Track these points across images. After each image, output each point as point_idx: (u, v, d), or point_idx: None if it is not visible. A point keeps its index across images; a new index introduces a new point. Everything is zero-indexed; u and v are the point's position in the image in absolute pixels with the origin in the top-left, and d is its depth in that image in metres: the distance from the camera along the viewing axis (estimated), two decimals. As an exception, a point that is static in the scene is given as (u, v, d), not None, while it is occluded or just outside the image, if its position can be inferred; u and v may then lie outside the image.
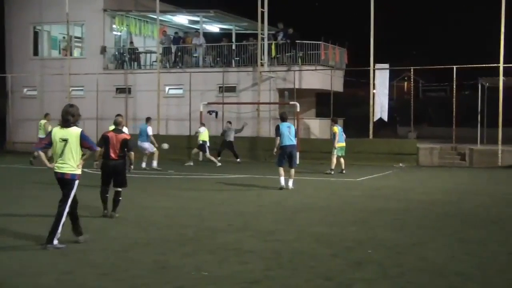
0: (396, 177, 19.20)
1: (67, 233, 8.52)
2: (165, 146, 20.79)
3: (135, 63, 31.39)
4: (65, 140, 8.31)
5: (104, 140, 10.99)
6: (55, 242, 8.21)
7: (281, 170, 15.48)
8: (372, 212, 11.69)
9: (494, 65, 24.02)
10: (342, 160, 20.15)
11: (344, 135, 20.49)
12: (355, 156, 23.00)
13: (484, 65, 24.68)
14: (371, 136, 25.43)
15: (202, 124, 23.83)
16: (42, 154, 8.65)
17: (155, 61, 30.23)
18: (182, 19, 32.95)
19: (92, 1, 31.22)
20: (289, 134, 15.28)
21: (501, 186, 16.81)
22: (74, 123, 8.42)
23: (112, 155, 10.93)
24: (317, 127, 28.75)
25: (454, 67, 24.70)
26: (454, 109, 24.13)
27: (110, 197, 11.11)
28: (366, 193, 14.95)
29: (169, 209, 12.06)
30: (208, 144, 23.09)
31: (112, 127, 11.69)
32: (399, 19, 49.61)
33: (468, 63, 25.01)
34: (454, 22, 48.70)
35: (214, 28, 34.30)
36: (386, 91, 26.28)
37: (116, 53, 31.84)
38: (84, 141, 8.39)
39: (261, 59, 27.36)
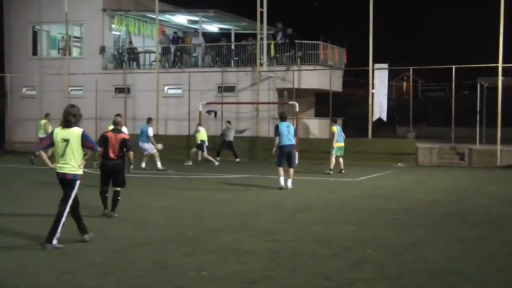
0: (395, 177, 19.20)
1: (66, 233, 8.51)
2: (160, 146, 20.82)
3: (134, 63, 31.38)
4: (66, 141, 8.33)
5: (103, 140, 11.00)
6: (54, 242, 8.21)
7: (281, 170, 15.47)
8: (372, 212, 11.69)
9: (493, 65, 24.04)
10: (341, 160, 20.15)
11: (343, 135, 20.49)
12: (354, 156, 23.02)
13: (483, 65, 24.72)
14: (370, 136, 25.42)
15: (199, 125, 23.90)
16: (43, 154, 8.66)
17: (154, 61, 30.22)
18: (181, 19, 32.94)
19: (91, 0, 31.20)
20: (288, 134, 15.28)
21: (500, 186, 16.81)
22: (76, 124, 8.44)
23: (111, 155, 10.93)
24: (316, 127, 28.75)
25: (453, 67, 24.71)
26: (453, 109, 24.14)
27: (109, 197, 11.12)
28: (365, 193, 14.95)
29: (169, 209, 12.06)
30: (206, 143, 23.10)
31: (111, 127, 11.70)
32: (398, 19, 49.61)
33: (467, 63, 25.03)
34: (453, 22, 48.67)
35: (213, 28, 34.31)
36: (385, 91, 26.29)
37: (115, 53, 31.83)
38: (85, 141, 8.41)
39: (260, 59, 27.36)
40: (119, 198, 11.05)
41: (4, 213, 11.34)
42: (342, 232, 9.66)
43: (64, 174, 8.35)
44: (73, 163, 8.34)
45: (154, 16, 29.51)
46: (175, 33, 32.00)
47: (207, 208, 12.18)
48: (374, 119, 25.95)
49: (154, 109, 27.94)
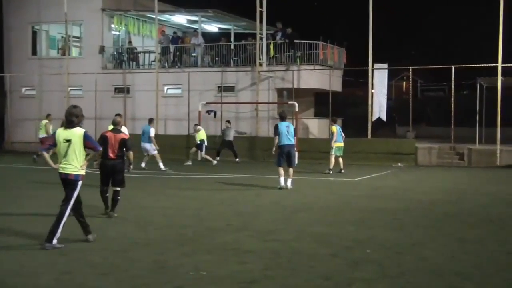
0: (394, 177, 19.21)
1: (66, 233, 8.50)
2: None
3: (134, 62, 31.38)
4: (68, 141, 8.35)
5: (103, 140, 11.00)
6: (54, 241, 8.22)
7: (281, 170, 15.47)
8: (371, 212, 11.69)
9: (492, 65, 24.06)
10: (340, 160, 20.15)
11: (343, 135, 20.48)
12: (353, 156, 23.03)
13: (482, 65, 24.74)
14: (369, 135, 25.43)
15: (196, 125, 23.95)
16: (46, 155, 8.71)
17: (154, 61, 30.22)
18: (180, 18, 32.94)
19: (90, 0, 31.20)
20: (287, 134, 15.26)
21: (500, 185, 16.81)
22: (78, 124, 8.47)
23: (111, 155, 10.94)
24: (315, 126, 28.76)
25: (453, 66, 24.72)
26: (452, 109, 24.15)
27: (109, 197, 11.13)
28: (365, 193, 14.95)
29: (168, 209, 12.06)
30: (206, 143, 23.11)
31: (111, 127, 11.71)
32: (398, 19, 49.60)
33: (467, 63, 25.04)
34: (453, 22, 48.68)
35: (212, 27, 34.31)
36: (385, 91, 26.29)
37: (115, 52, 31.83)
38: (87, 141, 8.43)
39: (260, 59, 27.36)
40: (119, 198, 11.06)
41: (4, 213, 11.34)
42: (342, 232, 9.66)
43: (67, 174, 8.38)
44: (75, 163, 8.36)
45: (154, 16, 29.52)
46: (174, 33, 32.01)
47: (206, 208, 12.18)
48: (373, 119, 25.96)
49: (153, 109, 27.95)
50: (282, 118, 15.66)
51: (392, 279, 6.87)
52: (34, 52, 33.40)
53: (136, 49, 31.65)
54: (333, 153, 19.94)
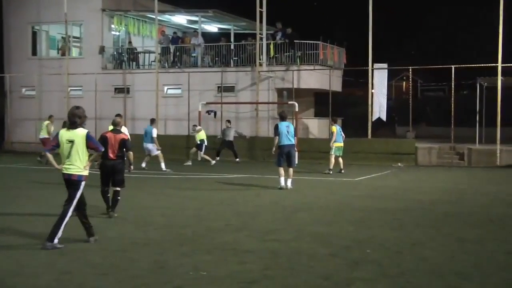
0: (394, 177, 19.21)
1: (66, 233, 8.50)
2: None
3: (134, 63, 31.37)
4: (71, 142, 8.39)
5: (103, 141, 11.00)
6: (56, 241, 8.23)
7: (281, 170, 15.46)
8: (371, 212, 11.69)
9: (492, 64, 24.06)
10: (340, 160, 20.15)
11: (343, 135, 20.47)
12: (353, 155, 23.04)
13: (482, 65, 24.75)
14: (369, 135, 25.43)
15: (195, 125, 23.99)
16: (50, 155, 8.73)
17: (154, 61, 30.22)
18: (180, 19, 32.94)
19: (90, 1, 31.19)
20: (287, 134, 15.26)
21: (500, 185, 16.81)
22: (81, 125, 8.51)
23: (111, 155, 10.97)
24: (315, 126, 28.76)
25: (453, 66, 24.72)
26: (452, 109, 24.15)
27: (110, 197, 11.14)
28: (365, 193, 14.95)
29: (168, 209, 12.06)
30: (206, 143, 23.11)
31: (111, 127, 11.73)
32: (397, 19, 49.58)
33: (467, 63, 25.06)
34: (453, 21, 48.68)
35: (212, 28, 34.31)
36: (385, 91, 26.29)
37: (115, 53, 31.83)
38: (89, 142, 8.47)
39: (260, 59, 27.36)
40: (119, 198, 11.09)
41: (3, 213, 11.34)
42: (342, 232, 9.66)
43: (70, 175, 8.42)
44: (78, 164, 8.40)
45: (154, 16, 29.52)
46: (174, 33, 32.01)
47: (206, 208, 12.18)
48: (373, 119, 25.96)
49: (153, 109, 27.95)
50: (282, 118, 15.65)
51: (392, 279, 6.86)
52: (34, 52, 33.40)
53: (136, 49, 31.65)
54: (332, 153, 19.94)
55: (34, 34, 33.48)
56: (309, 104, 31.49)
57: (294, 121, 23.20)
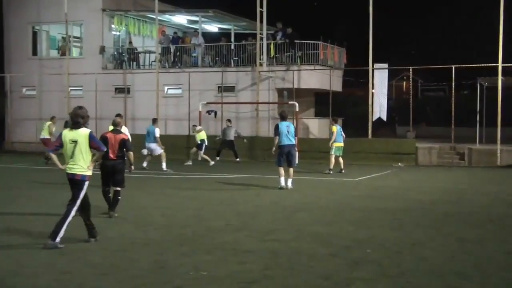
0: (395, 177, 19.20)
1: (66, 233, 8.49)
2: (145, 152, 20.77)
3: (134, 63, 31.38)
4: (74, 142, 8.43)
5: (103, 141, 10.99)
6: (58, 239, 8.23)
7: (281, 170, 15.46)
8: (371, 212, 11.69)
9: (493, 64, 24.06)
10: (341, 159, 20.14)
11: (343, 135, 20.45)
12: (354, 155, 23.04)
13: (483, 65, 24.74)
14: (370, 135, 25.44)
15: (195, 125, 23.97)
16: (54, 156, 8.78)
17: (154, 61, 30.22)
18: (181, 19, 32.95)
19: (91, 0, 31.19)
20: (287, 134, 15.25)
21: (500, 185, 16.80)
22: (84, 125, 8.55)
23: (111, 155, 10.98)
24: (316, 126, 28.76)
25: (453, 66, 24.72)
26: (453, 109, 24.15)
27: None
28: (365, 192, 14.95)
29: (168, 209, 12.06)
30: (206, 143, 23.11)
31: (111, 128, 11.75)
32: (397, 19, 49.61)
33: (467, 63, 25.04)
34: (453, 21, 48.69)
35: (213, 28, 34.31)
36: (385, 91, 26.30)
37: (115, 53, 31.83)
38: (92, 141, 8.50)
39: (260, 59, 27.36)
40: (119, 197, 11.10)
41: (3, 213, 11.34)
42: (342, 232, 9.66)
43: (74, 174, 8.45)
44: (82, 163, 8.43)
45: (154, 16, 29.51)
46: (175, 33, 32.01)
47: (206, 208, 12.18)
48: (374, 119, 25.96)
49: (154, 109, 27.94)
50: (283, 118, 15.63)
51: (392, 279, 6.86)
52: (34, 52, 33.40)
53: (136, 49, 31.66)
54: (333, 153, 19.94)
55: (35, 34, 33.48)
56: (310, 104, 31.48)
57: (295, 121, 23.19)
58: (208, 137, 23.63)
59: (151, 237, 9.20)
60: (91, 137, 8.48)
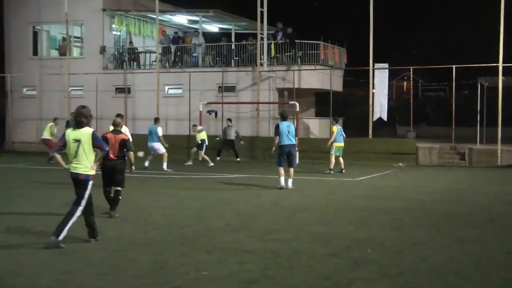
0: (395, 177, 19.20)
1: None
2: (141, 154, 20.66)
3: (135, 63, 31.39)
4: (78, 141, 8.43)
5: (104, 141, 11.01)
6: (61, 237, 8.23)
7: (281, 170, 15.46)
8: (371, 212, 11.69)
9: (493, 64, 24.06)
10: (341, 159, 20.14)
11: (344, 135, 20.45)
12: (354, 155, 23.05)
13: (483, 65, 24.74)
14: (370, 135, 25.44)
15: (195, 125, 23.98)
16: (58, 156, 8.76)
17: (155, 61, 30.22)
18: (181, 19, 32.95)
19: (91, 0, 31.20)
20: (288, 134, 15.25)
21: (501, 185, 16.80)
22: (87, 124, 8.56)
23: (111, 155, 10.99)
24: (316, 126, 28.76)
25: (454, 66, 24.72)
26: (453, 109, 24.15)
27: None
28: (365, 192, 14.95)
29: (168, 209, 12.06)
30: (206, 143, 23.11)
31: (111, 128, 11.76)
32: (398, 19, 49.63)
33: (468, 63, 25.04)
34: (454, 21, 48.70)
35: (213, 28, 34.31)
36: (386, 91, 26.30)
37: (116, 53, 31.84)
38: (95, 141, 8.51)
39: (261, 59, 27.36)
40: (120, 197, 11.10)
41: (3, 213, 11.34)
42: (342, 231, 9.66)
43: (77, 174, 8.45)
44: (85, 163, 8.44)
45: (154, 16, 29.51)
46: (175, 33, 32.01)
47: (206, 208, 12.18)
48: (374, 119, 25.96)
49: (154, 109, 27.95)
50: (283, 118, 15.63)
51: (392, 279, 6.86)
52: (35, 52, 33.42)
53: (137, 49, 31.67)
54: (333, 153, 19.94)
55: (35, 34, 33.50)
56: (310, 104, 31.49)
57: (295, 121, 23.19)
58: (209, 137, 23.65)
59: (151, 237, 9.20)
60: (94, 137, 8.49)
